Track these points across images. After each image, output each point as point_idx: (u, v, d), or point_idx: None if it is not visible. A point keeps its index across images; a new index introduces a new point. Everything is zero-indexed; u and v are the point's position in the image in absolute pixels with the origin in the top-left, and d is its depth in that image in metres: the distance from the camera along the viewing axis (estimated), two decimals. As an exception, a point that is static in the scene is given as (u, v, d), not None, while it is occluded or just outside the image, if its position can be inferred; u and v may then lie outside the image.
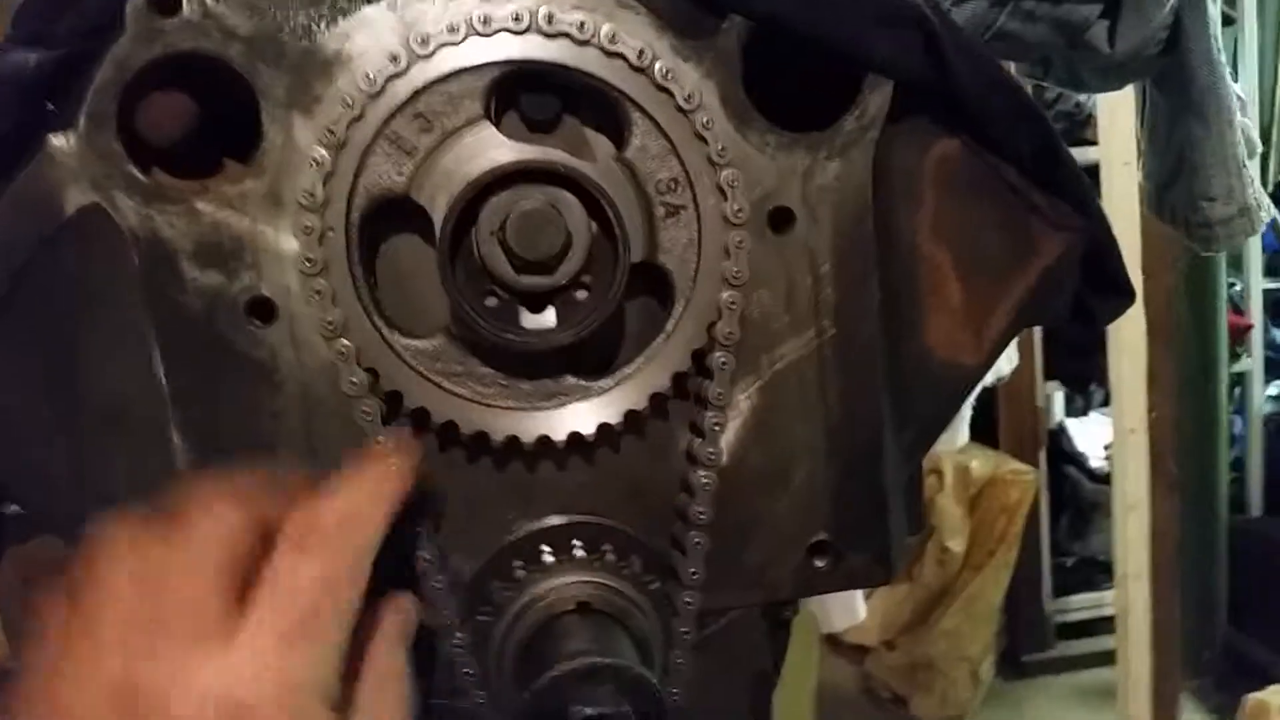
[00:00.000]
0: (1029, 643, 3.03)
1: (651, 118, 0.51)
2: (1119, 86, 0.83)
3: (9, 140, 0.50)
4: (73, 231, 0.50)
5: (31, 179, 0.49)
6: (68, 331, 0.51)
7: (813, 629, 1.91)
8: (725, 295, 0.52)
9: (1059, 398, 3.28)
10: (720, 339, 0.52)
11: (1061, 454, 3.26)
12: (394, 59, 0.49)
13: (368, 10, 0.49)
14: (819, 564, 0.58)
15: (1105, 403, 2.44)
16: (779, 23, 0.52)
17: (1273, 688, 2.01)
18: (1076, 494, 3.28)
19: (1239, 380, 3.10)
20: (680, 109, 0.51)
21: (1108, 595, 2.65)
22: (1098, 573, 3.07)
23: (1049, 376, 2.96)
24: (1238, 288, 3.07)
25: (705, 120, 0.51)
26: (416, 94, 0.49)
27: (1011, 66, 0.86)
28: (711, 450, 0.54)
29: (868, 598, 2.37)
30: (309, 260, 0.50)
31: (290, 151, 0.50)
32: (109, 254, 0.50)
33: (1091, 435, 3.28)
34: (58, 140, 0.49)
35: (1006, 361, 1.55)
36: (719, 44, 0.52)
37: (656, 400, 0.53)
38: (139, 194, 0.50)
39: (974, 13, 0.65)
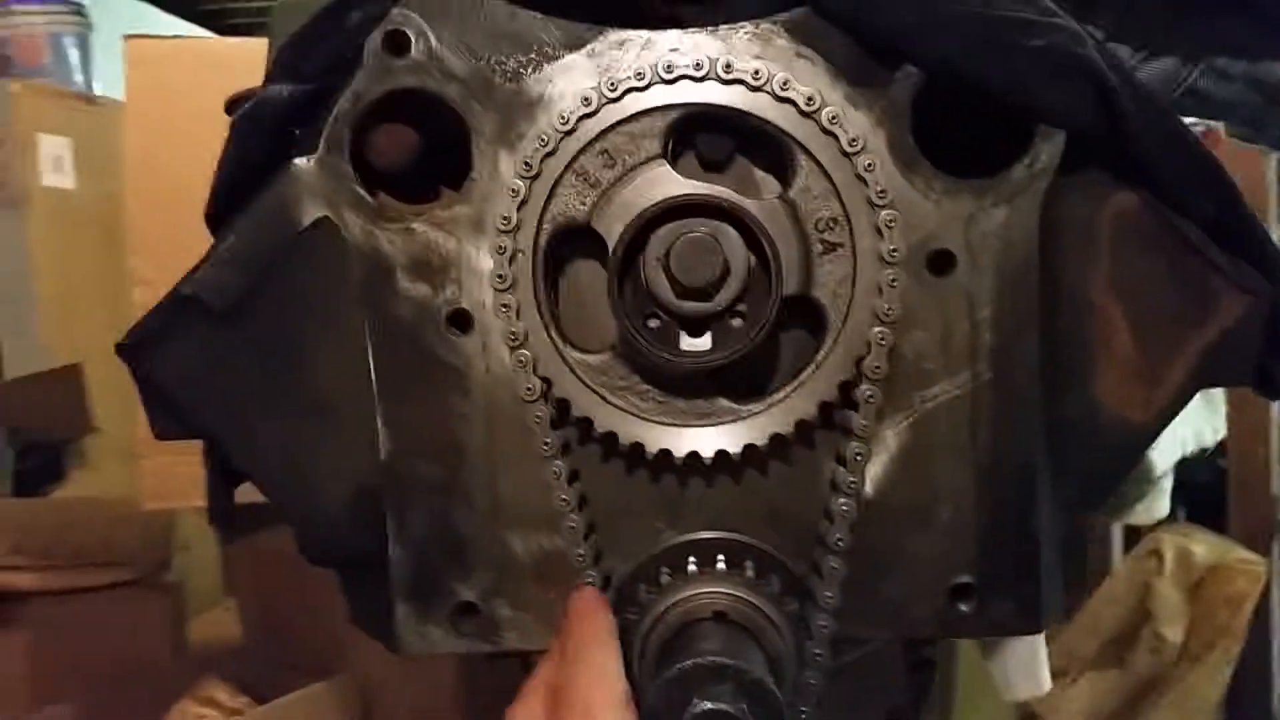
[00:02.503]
0: (1253, 749, 2.76)
1: (816, 159, 0.54)
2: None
3: (261, 167, 0.59)
4: (306, 242, 0.58)
5: (275, 194, 0.58)
6: (295, 330, 0.60)
7: (1005, 700, 1.82)
8: (875, 331, 0.55)
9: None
10: (868, 373, 0.55)
11: (1301, 546, 2.96)
12: (586, 101, 0.55)
13: (569, 58, 0.55)
14: (962, 607, 0.58)
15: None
16: (952, 72, 0.54)
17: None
18: (1318, 592, 2.98)
19: None
20: (844, 152, 0.54)
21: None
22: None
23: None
24: None
25: (868, 163, 0.54)
26: (604, 132, 0.55)
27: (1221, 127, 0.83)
28: (852, 478, 0.56)
29: (1068, 678, 2.24)
30: (500, 277, 0.56)
31: (494, 182, 0.56)
32: (335, 264, 0.58)
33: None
34: (300, 161, 0.57)
35: (1211, 432, 1.44)
36: (892, 93, 0.55)
37: (802, 426, 0.56)
38: (365, 213, 0.58)
39: (1164, 69, 0.64)
